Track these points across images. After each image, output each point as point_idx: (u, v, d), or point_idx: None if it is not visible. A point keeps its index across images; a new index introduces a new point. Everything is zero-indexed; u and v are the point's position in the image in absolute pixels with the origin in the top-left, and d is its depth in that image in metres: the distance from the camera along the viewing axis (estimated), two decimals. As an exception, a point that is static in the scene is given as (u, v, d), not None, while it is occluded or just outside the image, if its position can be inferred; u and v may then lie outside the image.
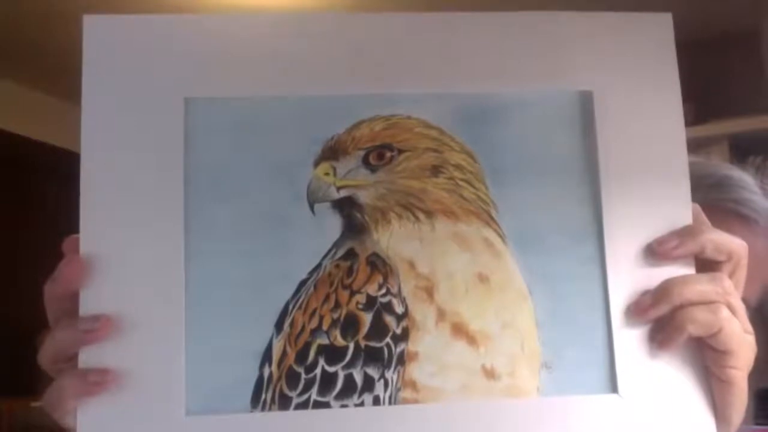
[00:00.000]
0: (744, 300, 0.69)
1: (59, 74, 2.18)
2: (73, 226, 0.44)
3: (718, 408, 0.46)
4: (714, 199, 0.73)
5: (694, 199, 0.49)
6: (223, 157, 0.46)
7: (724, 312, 0.44)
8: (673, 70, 0.49)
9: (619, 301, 0.46)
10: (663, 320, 0.45)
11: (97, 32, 0.46)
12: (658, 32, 0.49)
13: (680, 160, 0.48)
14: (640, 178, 0.47)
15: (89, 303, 0.43)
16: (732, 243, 0.46)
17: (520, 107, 0.48)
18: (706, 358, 0.46)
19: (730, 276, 0.46)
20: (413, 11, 0.48)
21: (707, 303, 0.44)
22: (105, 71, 0.46)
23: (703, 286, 0.45)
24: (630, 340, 0.46)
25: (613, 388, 0.45)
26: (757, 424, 0.79)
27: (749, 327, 0.46)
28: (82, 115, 0.45)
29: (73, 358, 0.43)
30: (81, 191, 0.44)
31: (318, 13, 0.48)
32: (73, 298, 0.43)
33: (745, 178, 0.77)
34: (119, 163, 0.45)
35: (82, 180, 0.44)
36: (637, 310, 0.45)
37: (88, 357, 0.43)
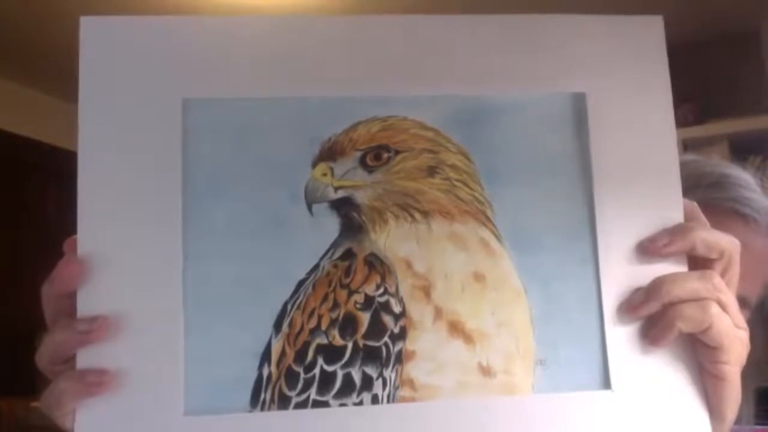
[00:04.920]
0: (745, 298, 0.69)
1: (59, 74, 2.19)
2: (72, 227, 0.44)
3: (712, 403, 0.46)
4: (713, 198, 0.73)
5: (694, 198, 0.49)
6: (221, 158, 0.46)
7: (714, 308, 0.45)
8: (664, 72, 0.49)
9: (611, 299, 0.46)
10: (654, 317, 0.46)
11: (95, 34, 0.46)
12: (649, 35, 0.49)
13: (672, 160, 0.48)
14: (632, 179, 0.48)
15: (87, 303, 0.43)
16: (723, 240, 0.47)
17: (515, 109, 0.48)
18: (698, 354, 0.46)
19: (723, 273, 0.46)
20: (410, 14, 0.48)
21: (697, 300, 0.45)
22: (102, 72, 0.46)
23: (693, 284, 0.45)
24: (623, 337, 0.46)
25: (606, 384, 0.46)
26: (758, 423, 0.79)
27: (741, 323, 0.46)
28: (79, 116, 0.45)
29: (70, 359, 0.43)
30: (78, 192, 0.44)
31: (316, 16, 0.48)
32: (71, 299, 0.43)
33: (744, 177, 0.78)
34: (117, 164, 0.45)
35: (79, 181, 0.44)
36: (628, 307, 0.46)
37: (85, 358, 0.43)
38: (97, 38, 0.46)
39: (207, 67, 0.46)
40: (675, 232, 0.47)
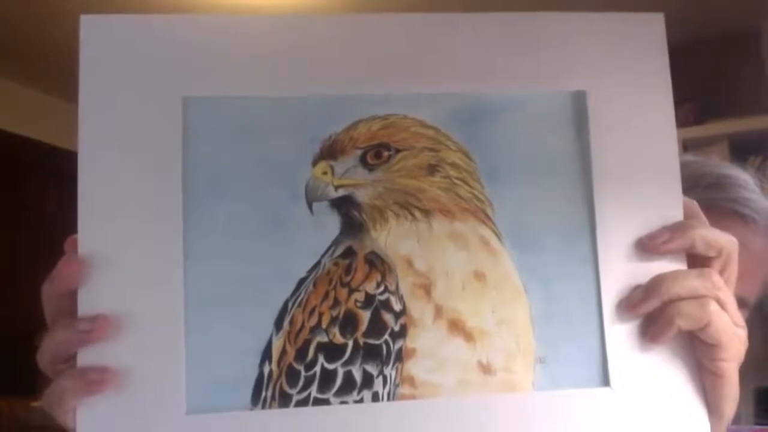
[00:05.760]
0: (744, 298, 0.69)
1: (59, 74, 2.19)
2: (72, 226, 0.44)
3: (710, 400, 0.47)
4: (713, 199, 0.73)
5: (693, 198, 0.49)
6: (222, 157, 0.46)
7: (713, 306, 0.45)
8: (665, 70, 0.49)
9: (611, 297, 0.47)
10: (654, 315, 0.46)
11: (95, 32, 0.46)
12: (650, 32, 0.49)
13: (672, 158, 0.48)
14: (632, 177, 0.48)
15: (87, 302, 0.43)
16: (722, 239, 0.47)
17: (515, 107, 0.48)
18: (697, 351, 0.46)
19: (722, 271, 0.47)
20: (410, 12, 0.48)
21: (696, 298, 0.45)
22: (102, 71, 0.46)
23: (692, 281, 0.45)
24: (622, 334, 0.46)
25: (606, 381, 0.46)
26: (758, 423, 0.79)
27: (739, 321, 0.46)
28: (79, 115, 0.45)
29: (71, 359, 0.43)
30: (79, 191, 0.44)
31: (315, 15, 0.48)
32: (71, 298, 0.43)
33: (743, 177, 0.78)
34: (117, 163, 0.45)
35: (80, 180, 0.44)
36: (628, 305, 0.46)
37: (87, 356, 0.43)
38: (97, 37, 0.46)
39: (207, 65, 0.46)
40: (675, 229, 0.47)
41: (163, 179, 0.45)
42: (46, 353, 0.43)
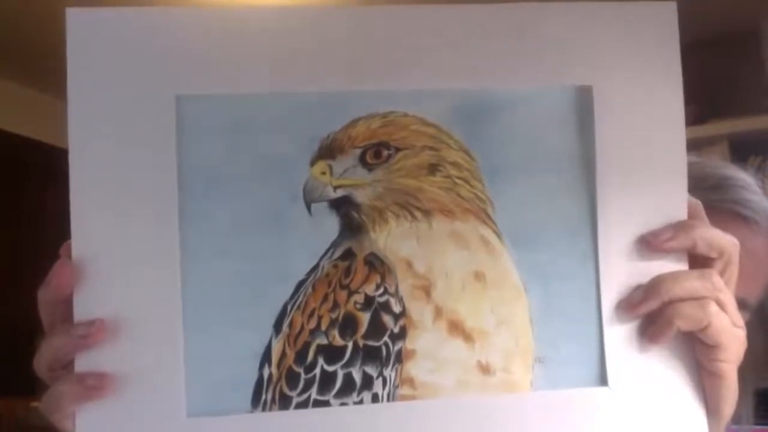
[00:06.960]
0: (744, 300, 0.69)
1: (58, 74, 2.18)
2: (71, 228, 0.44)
3: (709, 400, 0.47)
4: (714, 200, 0.73)
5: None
6: (218, 157, 0.45)
7: (713, 307, 0.45)
8: (675, 63, 0.47)
9: (610, 297, 0.46)
10: (653, 315, 0.46)
11: (82, 27, 0.44)
12: (661, 22, 0.47)
13: (679, 157, 0.47)
14: (637, 174, 0.47)
15: (84, 307, 0.42)
16: (723, 240, 0.47)
17: (518, 103, 0.47)
18: (696, 352, 0.46)
19: (722, 272, 0.46)
20: (410, 4, 0.47)
21: (696, 299, 0.45)
22: (91, 68, 0.44)
23: (692, 282, 0.45)
24: (621, 334, 0.46)
25: (603, 381, 0.46)
26: (757, 424, 0.79)
27: (739, 321, 0.46)
28: (68, 113, 0.43)
29: (69, 365, 0.42)
30: (71, 194, 0.43)
31: (313, 7, 0.46)
32: (67, 303, 0.43)
33: (745, 179, 0.78)
34: (109, 165, 0.43)
35: (71, 182, 0.43)
36: (627, 305, 0.46)
37: (84, 362, 0.42)
38: (84, 31, 0.44)
39: (201, 62, 0.44)
40: (678, 228, 0.46)
41: (157, 180, 0.44)
42: (43, 359, 0.43)
